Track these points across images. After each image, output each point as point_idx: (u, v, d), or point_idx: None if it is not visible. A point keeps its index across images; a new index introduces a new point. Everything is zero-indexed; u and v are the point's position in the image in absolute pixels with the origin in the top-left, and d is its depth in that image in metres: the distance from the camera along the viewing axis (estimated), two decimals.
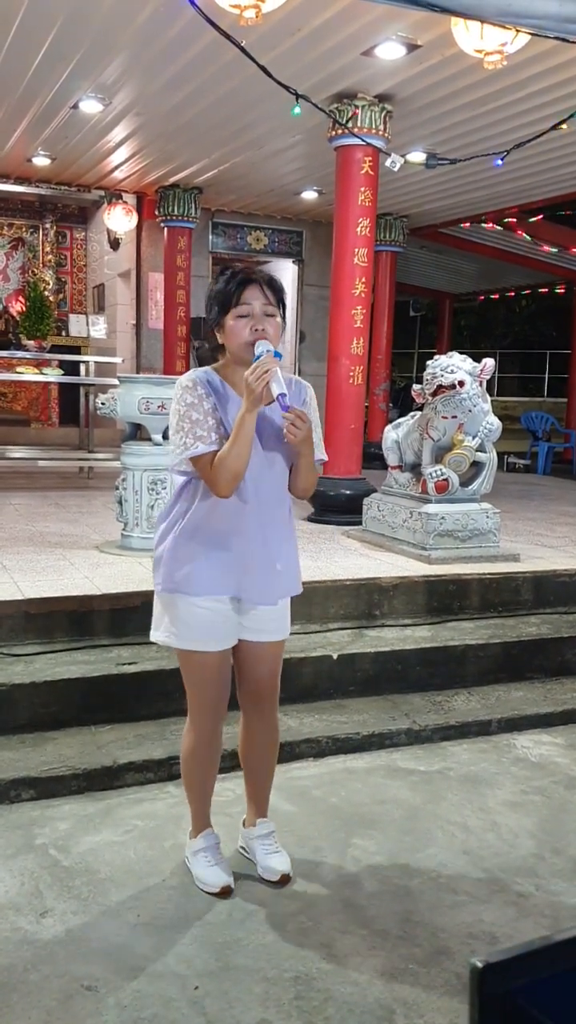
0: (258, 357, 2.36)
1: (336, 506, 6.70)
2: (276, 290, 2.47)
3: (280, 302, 2.49)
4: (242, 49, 3.84)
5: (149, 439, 5.19)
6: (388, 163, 6.01)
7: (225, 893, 2.69)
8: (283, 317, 2.52)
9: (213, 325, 2.51)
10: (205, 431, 2.41)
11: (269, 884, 2.76)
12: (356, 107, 6.45)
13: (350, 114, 6.45)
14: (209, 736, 2.71)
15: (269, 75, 4.01)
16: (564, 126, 5.49)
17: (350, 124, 6.43)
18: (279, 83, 4.08)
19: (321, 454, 2.62)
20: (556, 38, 3.43)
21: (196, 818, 2.82)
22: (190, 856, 2.81)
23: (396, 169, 6.08)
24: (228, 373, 2.51)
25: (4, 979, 2.31)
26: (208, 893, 2.69)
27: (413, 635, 4.62)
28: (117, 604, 4.24)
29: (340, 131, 6.53)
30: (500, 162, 5.66)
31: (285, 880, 2.76)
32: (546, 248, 11.74)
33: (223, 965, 2.39)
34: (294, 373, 11.85)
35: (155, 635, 2.70)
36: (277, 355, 2.37)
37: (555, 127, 5.36)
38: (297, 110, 4.49)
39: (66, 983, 2.30)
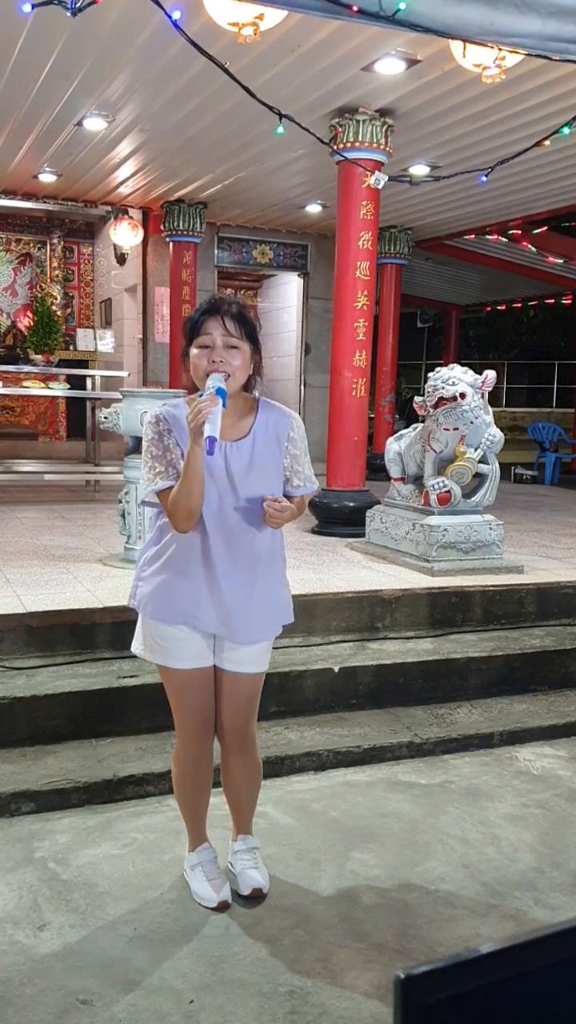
0: (202, 394, 2.31)
1: (339, 518, 6.71)
2: (242, 322, 2.41)
3: (249, 337, 2.43)
4: (226, 71, 3.88)
5: None
6: (372, 181, 6.06)
7: (222, 908, 2.68)
8: (256, 350, 2.47)
9: (183, 356, 2.49)
10: (163, 466, 2.41)
11: (243, 899, 2.74)
12: (356, 122, 6.49)
13: (334, 131, 6.53)
14: (196, 754, 2.69)
15: (253, 96, 4.05)
16: (547, 143, 5.51)
17: (349, 140, 6.48)
18: (264, 104, 4.12)
19: (312, 485, 2.61)
20: (539, 56, 3.45)
21: (191, 833, 2.82)
22: (188, 870, 2.82)
23: (380, 187, 6.14)
24: None
25: (0, 992, 2.31)
26: (205, 907, 2.69)
27: (415, 648, 4.62)
28: (119, 617, 4.25)
29: (341, 145, 6.57)
30: (484, 179, 5.69)
31: (257, 895, 2.74)
32: (552, 259, 11.75)
33: (218, 979, 2.39)
34: (300, 385, 11.94)
35: (134, 646, 2.72)
36: (221, 393, 2.30)
37: (537, 144, 5.38)
38: (280, 129, 4.53)
39: (62, 997, 2.30)
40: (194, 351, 2.42)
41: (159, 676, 2.71)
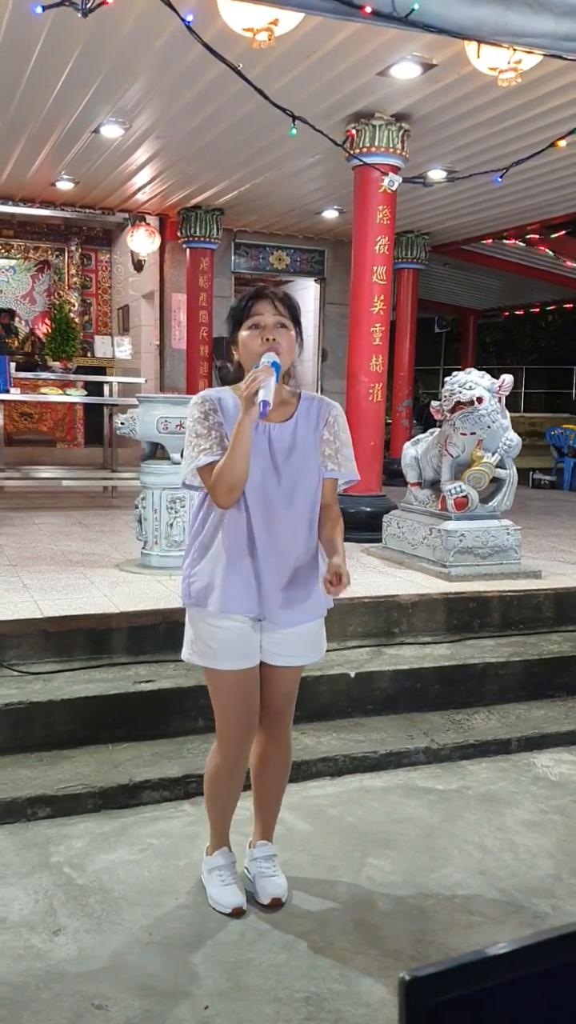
0: (257, 366, 2.36)
1: (356, 523, 6.68)
2: (289, 305, 2.49)
3: (294, 318, 2.49)
4: (241, 75, 3.89)
5: (168, 458, 5.23)
6: (386, 183, 6.06)
7: (238, 914, 2.67)
8: (299, 335, 2.52)
9: (230, 344, 2.53)
10: (208, 444, 2.44)
11: (262, 907, 2.72)
12: (372, 127, 6.49)
13: (348, 135, 6.53)
14: (235, 757, 2.68)
15: (268, 100, 4.06)
16: (561, 143, 5.48)
17: (366, 145, 6.48)
18: (279, 108, 4.12)
19: (353, 473, 2.64)
20: (553, 56, 3.43)
21: (214, 835, 2.81)
22: (205, 873, 2.81)
23: (394, 189, 6.13)
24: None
25: (16, 997, 2.31)
26: (220, 913, 2.69)
27: (432, 653, 4.59)
28: (135, 622, 4.26)
29: (357, 150, 6.58)
30: (499, 179, 5.67)
31: (276, 904, 2.72)
32: (569, 264, 11.71)
33: (234, 985, 2.38)
34: (316, 391, 11.94)
35: (184, 653, 2.70)
36: (276, 366, 2.36)
37: (552, 145, 5.35)
38: (294, 131, 4.54)
39: (77, 1002, 2.30)
40: (244, 333, 2.46)
41: (194, 680, 2.71)
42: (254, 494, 2.47)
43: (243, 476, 2.40)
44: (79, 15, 3.09)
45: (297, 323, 2.51)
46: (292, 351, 2.48)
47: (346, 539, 6.88)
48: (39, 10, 3.37)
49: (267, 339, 2.42)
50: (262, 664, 2.64)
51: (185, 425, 2.54)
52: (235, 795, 2.77)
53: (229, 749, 2.67)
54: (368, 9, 2.72)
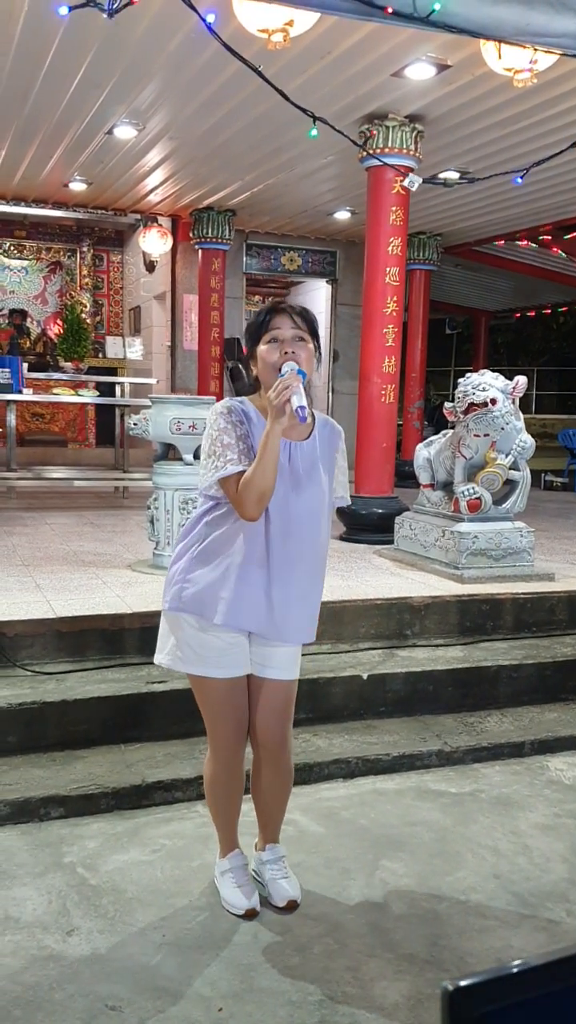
0: (282, 375, 2.36)
1: (368, 525, 6.68)
2: (307, 319, 2.48)
3: (312, 331, 2.49)
4: (261, 75, 3.88)
5: (180, 459, 5.23)
6: (406, 183, 6.04)
7: (250, 915, 2.67)
8: (317, 348, 2.51)
9: (249, 358, 2.54)
10: (235, 454, 2.42)
11: (276, 910, 2.72)
12: (386, 128, 6.48)
13: (369, 134, 6.50)
14: (228, 763, 2.68)
15: (288, 100, 4.05)
16: None
17: (379, 146, 6.47)
18: (299, 108, 4.11)
19: (346, 498, 2.67)
20: (575, 56, 3.42)
21: (222, 840, 2.81)
22: (218, 876, 2.81)
23: (414, 188, 6.11)
24: (262, 405, 2.49)
25: (30, 997, 2.31)
26: (233, 914, 2.68)
27: (445, 655, 4.58)
28: (147, 623, 4.25)
29: (371, 151, 6.57)
30: (520, 180, 5.64)
31: (292, 906, 2.72)
32: None
33: (247, 987, 2.37)
34: (328, 392, 11.93)
35: (158, 657, 2.69)
36: (301, 374, 2.37)
37: (573, 146, 5.32)
38: (314, 132, 4.53)
39: (90, 1003, 2.29)
40: (262, 347, 2.46)
41: (190, 684, 2.70)
42: (276, 510, 2.47)
43: (271, 486, 2.39)
44: (104, 16, 3.08)
45: (315, 336, 2.51)
46: (310, 364, 2.47)
47: (358, 540, 6.89)
48: (64, 11, 3.36)
49: (286, 352, 2.42)
50: (256, 680, 2.63)
51: (206, 433, 2.52)
52: (236, 800, 2.77)
53: (221, 753, 2.67)
54: (389, 9, 2.71)
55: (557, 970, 0.54)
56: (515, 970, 0.54)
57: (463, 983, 0.53)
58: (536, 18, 2.79)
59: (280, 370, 2.39)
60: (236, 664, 2.58)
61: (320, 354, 2.54)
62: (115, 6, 3.04)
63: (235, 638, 2.55)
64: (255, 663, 2.61)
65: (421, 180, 5.97)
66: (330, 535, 2.69)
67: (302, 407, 2.30)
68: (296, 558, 2.53)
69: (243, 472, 2.40)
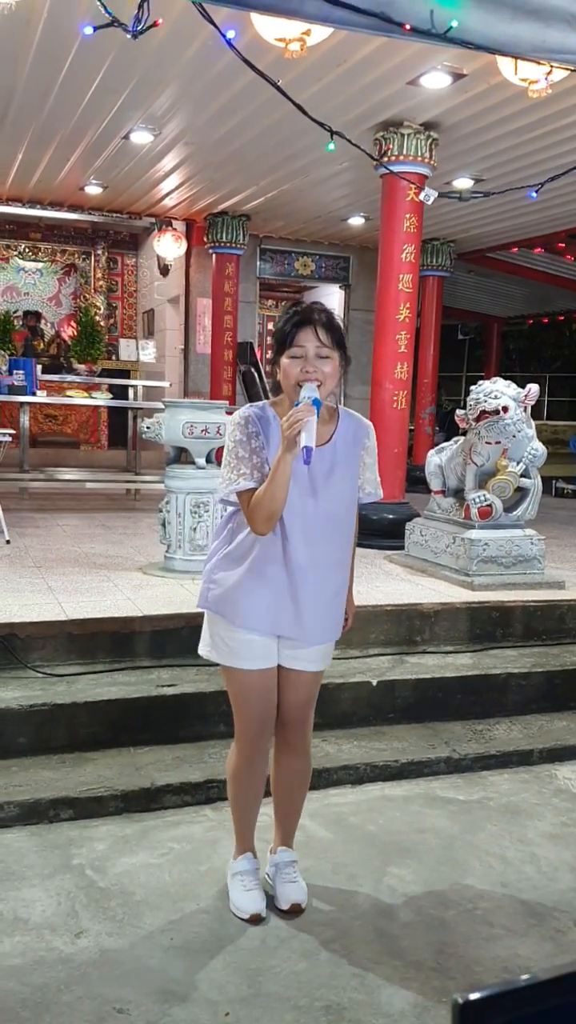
0: (297, 404, 2.35)
1: (379, 530, 6.69)
2: (333, 331, 2.46)
3: (338, 344, 2.47)
4: (278, 88, 3.90)
5: (193, 463, 5.25)
6: (422, 197, 6.05)
7: (255, 920, 2.68)
8: (343, 357, 2.50)
9: (272, 363, 2.54)
10: (248, 468, 2.45)
11: (281, 913, 2.73)
12: (401, 135, 6.50)
13: (384, 148, 6.52)
14: (252, 755, 2.70)
15: (305, 113, 4.07)
16: None
17: (394, 154, 6.49)
18: (316, 122, 4.13)
19: (378, 492, 2.67)
20: None
21: (238, 839, 2.82)
22: (230, 877, 2.82)
23: (429, 202, 6.12)
24: (282, 410, 2.48)
25: (38, 998, 2.33)
26: (239, 918, 2.69)
27: (454, 662, 4.58)
28: (158, 626, 4.28)
29: (386, 159, 6.59)
30: (535, 194, 5.64)
31: (295, 910, 2.73)
32: None
33: (255, 992, 2.38)
34: (341, 397, 11.95)
35: (201, 648, 2.73)
36: (316, 403, 2.34)
37: None
38: (331, 146, 4.54)
39: (98, 1005, 2.31)
40: (285, 360, 2.45)
41: (222, 677, 2.74)
42: (292, 517, 2.48)
43: (280, 507, 2.41)
44: (129, 36, 3.11)
45: (341, 347, 2.49)
46: (335, 378, 2.48)
47: (368, 546, 6.88)
48: (89, 31, 3.40)
49: (306, 371, 2.41)
50: (280, 667, 2.67)
51: (226, 439, 2.55)
52: (256, 797, 2.79)
53: (245, 747, 2.69)
54: (408, 26, 2.73)
55: (566, 984, 0.55)
56: (524, 983, 0.55)
57: (473, 996, 0.54)
58: (553, 35, 2.80)
59: (299, 390, 2.39)
60: (264, 656, 2.61)
61: (347, 362, 2.52)
62: (140, 28, 3.06)
63: (261, 639, 2.59)
64: (283, 653, 2.64)
65: (436, 194, 5.98)
66: (355, 533, 2.71)
67: (307, 448, 2.28)
68: (317, 562, 2.55)
69: (254, 488, 2.42)
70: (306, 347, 2.42)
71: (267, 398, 2.66)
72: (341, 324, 2.55)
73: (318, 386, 2.40)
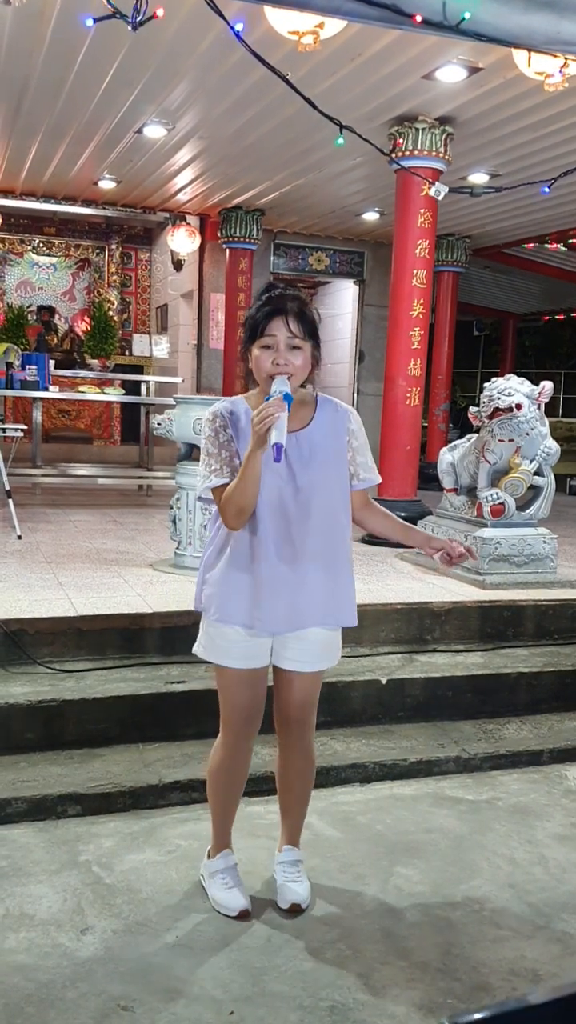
0: (268, 397, 2.30)
1: None
2: (305, 322, 2.40)
3: (310, 334, 2.42)
4: (288, 83, 3.88)
5: None
6: (432, 192, 6.01)
7: (243, 917, 2.66)
8: (316, 346, 2.45)
9: (244, 351, 2.48)
10: (218, 464, 2.43)
11: (281, 912, 2.72)
12: (416, 129, 6.46)
13: (396, 142, 6.48)
14: (233, 752, 2.69)
15: (315, 107, 4.04)
16: None
17: (409, 148, 6.45)
18: (326, 116, 4.10)
19: (374, 476, 2.61)
20: None
21: (216, 836, 2.80)
22: (206, 876, 2.79)
23: (440, 198, 6.08)
24: (256, 403, 2.44)
25: (43, 995, 2.33)
26: (226, 916, 2.68)
27: (465, 661, 4.56)
28: (168, 623, 4.28)
29: (400, 153, 6.55)
30: (547, 190, 5.59)
31: (295, 910, 2.71)
32: None
33: (259, 991, 2.37)
34: (353, 393, 11.91)
35: (195, 647, 2.72)
36: (287, 398, 2.30)
37: None
38: (340, 140, 4.51)
39: (103, 1002, 2.31)
40: (256, 351, 2.41)
41: (212, 674, 2.72)
42: (269, 507, 2.44)
43: (251, 503, 2.38)
44: (129, 28, 3.10)
45: (314, 337, 2.44)
46: (306, 369, 2.43)
47: (379, 543, 6.85)
48: (89, 23, 3.40)
49: (278, 363, 2.37)
50: (275, 667, 2.65)
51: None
52: (236, 793, 2.78)
53: (229, 740, 2.69)
54: (418, 18, 2.70)
55: (555, 1008, 0.53)
56: (513, 1008, 0.54)
57: (461, 1019, 0.53)
58: (567, 27, 2.77)
59: (271, 382, 2.36)
60: (251, 656, 2.58)
61: (320, 354, 2.47)
62: (139, 20, 3.05)
63: (245, 635, 2.55)
64: (277, 652, 2.61)
65: (448, 189, 5.95)
66: (346, 521, 2.59)
67: (278, 445, 2.21)
68: (297, 553, 2.48)
69: (225, 484, 2.40)
70: (277, 336, 2.37)
71: None
72: (315, 314, 2.47)
73: (289, 378, 2.36)
